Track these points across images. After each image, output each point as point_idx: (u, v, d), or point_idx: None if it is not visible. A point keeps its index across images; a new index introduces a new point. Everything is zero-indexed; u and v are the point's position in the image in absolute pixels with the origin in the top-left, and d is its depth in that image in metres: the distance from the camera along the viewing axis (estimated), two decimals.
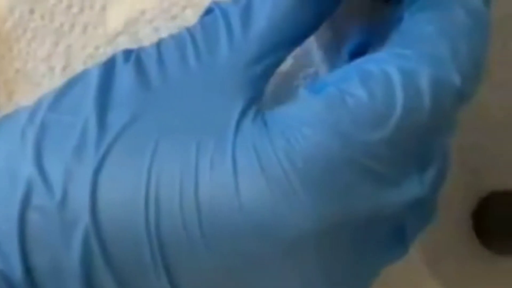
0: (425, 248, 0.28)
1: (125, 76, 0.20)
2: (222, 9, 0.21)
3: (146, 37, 0.28)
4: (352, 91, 0.19)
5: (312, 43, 0.28)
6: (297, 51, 0.28)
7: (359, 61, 0.21)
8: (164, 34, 0.28)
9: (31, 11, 0.29)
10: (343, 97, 0.19)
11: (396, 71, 0.19)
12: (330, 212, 0.19)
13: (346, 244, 0.19)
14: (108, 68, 0.21)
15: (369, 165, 0.19)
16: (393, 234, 0.20)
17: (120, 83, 0.20)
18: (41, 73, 0.29)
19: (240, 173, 0.19)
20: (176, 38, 0.21)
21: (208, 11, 0.22)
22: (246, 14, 0.21)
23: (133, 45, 0.28)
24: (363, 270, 0.20)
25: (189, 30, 0.21)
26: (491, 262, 0.28)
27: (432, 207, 0.22)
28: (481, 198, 0.28)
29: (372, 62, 0.20)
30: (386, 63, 0.20)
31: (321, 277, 0.19)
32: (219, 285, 0.19)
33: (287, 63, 0.28)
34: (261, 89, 0.21)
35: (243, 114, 0.20)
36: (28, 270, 0.19)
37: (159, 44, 0.21)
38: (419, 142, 0.20)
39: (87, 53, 0.28)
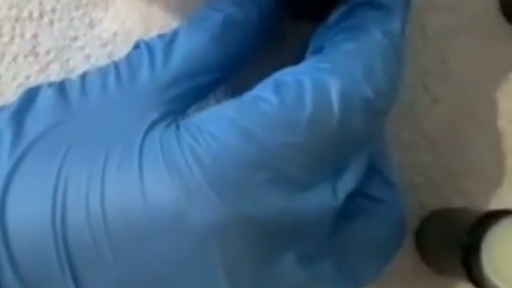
0: None
1: (46, 96, 0.21)
2: (147, 44, 0.23)
3: (78, 65, 0.28)
4: (264, 96, 0.20)
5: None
6: None
7: (279, 72, 0.22)
8: (96, 61, 0.28)
9: None
10: (255, 102, 0.20)
11: (309, 81, 0.20)
12: (234, 209, 0.19)
13: (251, 245, 0.19)
14: (31, 91, 0.22)
15: (277, 167, 0.19)
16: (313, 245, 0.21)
17: (40, 102, 0.21)
18: None
19: (146, 172, 0.19)
20: (101, 68, 0.22)
21: (135, 47, 0.23)
22: (169, 47, 0.22)
23: (64, 74, 0.28)
24: (270, 276, 0.20)
25: (114, 61, 0.23)
26: (435, 281, 0.28)
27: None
28: (422, 216, 0.28)
29: (289, 73, 0.21)
30: (301, 74, 0.21)
31: (225, 278, 0.19)
32: None
33: None
34: (177, 109, 0.22)
35: (153, 124, 0.21)
36: None
37: (84, 73, 0.23)
38: (331, 150, 0.20)
39: (17, 82, 0.28)
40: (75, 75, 0.28)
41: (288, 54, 0.29)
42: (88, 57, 0.28)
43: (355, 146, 0.21)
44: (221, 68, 0.23)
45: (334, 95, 0.20)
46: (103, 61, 0.28)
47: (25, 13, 0.28)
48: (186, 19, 0.23)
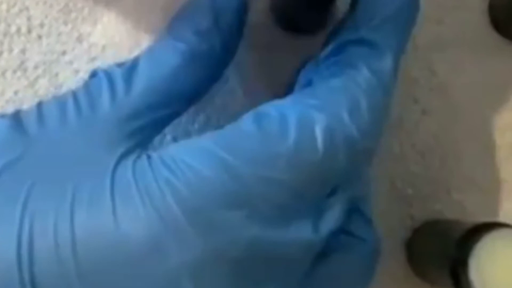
0: None
1: (0, 129, 0.20)
2: (106, 72, 0.22)
3: (67, 80, 0.28)
4: (246, 129, 0.20)
5: (236, 85, 0.28)
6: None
7: (262, 105, 0.21)
8: (84, 75, 0.28)
9: None
10: (236, 134, 0.20)
11: (293, 116, 0.20)
12: (211, 244, 0.18)
13: (227, 280, 0.19)
14: None
15: (255, 203, 0.19)
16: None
17: None
18: None
19: (119, 207, 0.18)
20: (58, 97, 0.21)
21: (93, 75, 0.22)
22: (129, 75, 0.21)
23: (53, 89, 0.28)
24: None
25: (72, 90, 0.22)
26: None
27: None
28: (414, 228, 0.28)
29: (273, 106, 0.21)
30: (286, 108, 0.20)
31: None
32: None
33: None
34: (142, 142, 0.21)
35: (122, 158, 0.20)
36: None
37: (40, 102, 0.21)
38: (312, 187, 0.20)
39: (7, 97, 0.28)
40: (64, 89, 0.28)
41: (278, 67, 0.29)
42: (77, 71, 0.28)
43: (338, 184, 0.21)
44: (182, 100, 0.22)
45: (319, 132, 0.19)
46: None
47: (13, 28, 0.28)
48: (147, 47, 0.23)
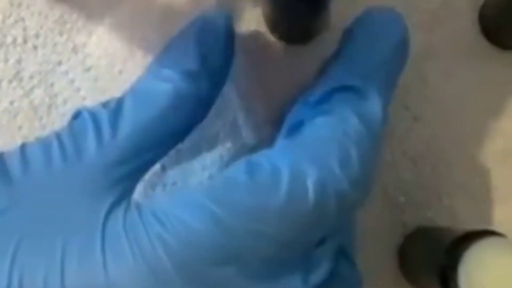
0: None
1: None
2: (91, 112, 0.21)
3: (62, 90, 0.28)
4: (237, 180, 0.19)
5: (230, 90, 0.28)
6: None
7: (254, 154, 0.21)
8: (79, 85, 0.28)
9: None
10: (227, 186, 0.19)
11: (286, 168, 0.19)
12: None
13: None
14: None
15: (245, 256, 0.19)
16: None
17: None
18: None
19: (110, 262, 0.18)
20: (42, 140, 0.21)
21: (76, 115, 0.22)
22: (115, 117, 0.21)
23: (48, 99, 0.28)
24: None
25: (56, 132, 0.21)
26: None
27: None
28: (406, 234, 0.28)
29: (265, 156, 0.20)
30: (278, 159, 0.20)
31: None
32: None
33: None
34: (130, 188, 0.21)
35: (111, 209, 0.19)
36: None
37: (23, 145, 0.21)
38: (302, 240, 0.19)
39: (2, 107, 0.28)
40: (59, 99, 0.28)
41: (272, 73, 0.29)
42: (72, 81, 0.28)
43: (327, 235, 0.20)
44: (168, 141, 0.22)
45: (310, 185, 0.19)
46: (87, 85, 0.28)
47: (9, 39, 0.28)
48: (131, 86, 0.22)
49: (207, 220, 0.18)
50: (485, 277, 0.21)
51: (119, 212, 0.19)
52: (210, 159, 0.29)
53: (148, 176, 0.28)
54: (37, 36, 0.28)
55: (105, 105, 0.21)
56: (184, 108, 0.21)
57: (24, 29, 0.28)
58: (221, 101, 0.28)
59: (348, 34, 0.24)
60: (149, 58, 0.25)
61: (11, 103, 0.28)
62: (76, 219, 0.19)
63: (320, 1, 0.24)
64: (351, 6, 0.29)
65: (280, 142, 0.22)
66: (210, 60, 0.22)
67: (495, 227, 0.23)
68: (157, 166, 0.28)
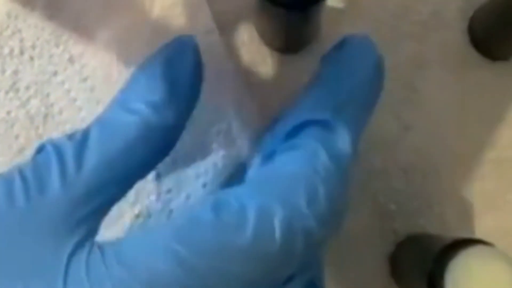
0: None
1: None
2: (55, 145, 0.20)
3: (58, 100, 0.29)
4: (203, 219, 0.19)
5: (225, 99, 0.29)
6: (209, 106, 0.29)
7: (221, 191, 0.21)
8: (75, 96, 0.29)
9: None
10: (192, 225, 0.19)
11: (253, 207, 0.19)
12: None
13: None
14: None
15: None
16: None
17: None
18: None
19: None
20: (4, 175, 0.20)
21: (40, 149, 0.21)
22: (80, 149, 0.20)
23: (44, 108, 0.29)
24: None
25: (19, 167, 0.20)
26: None
27: None
28: (397, 242, 0.29)
29: (231, 193, 0.20)
30: (246, 197, 0.20)
31: None
32: None
33: (201, 119, 0.29)
34: (94, 227, 0.20)
35: (74, 251, 0.19)
36: None
37: None
38: (268, 278, 0.19)
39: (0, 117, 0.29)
40: (55, 109, 0.29)
41: (267, 87, 0.30)
42: (68, 91, 0.29)
43: (296, 271, 0.20)
44: (135, 174, 0.21)
45: (277, 224, 0.19)
46: (83, 95, 0.29)
47: (6, 50, 0.29)
48: (98, 116, 0.21)
49: (171, 260, 0.18)
50: (470, 284, 0.21)
51: (82, 255, 0.19)
52: (204, 167, 0.29)
53: (142, 184, 0.28)
54: (33, 47, 0.29)
55: (70, 136, 0.21)
56: (152, 139, 0.21)
57: (21, 40, 0.29)
58: (215, 110, 0.29)
59: (322, 64, 0.24)
60: None
61: (8, 113, 0.29)
62: (39, 262, 0.19)
63: (310, 12, 0.25)
64: (341, 16, 0.30)
65: (252, 174, 0.22)
66: (178, 89, 0.22)
67: (485, 235, 0.24)
68: (151, 174, 0.29)
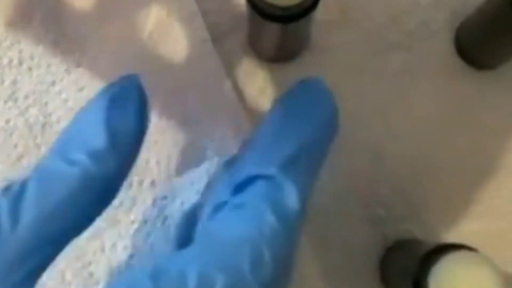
0: None
1: None
2: None
3: (56, 109, 0.29)
4: (140, 285, 0.18)
5: (218, 107, 0.30)
6: (203, 114, 0.29)
7: (163, 257, 0.20)
8: (73, 105, 0.30)
9: None
10: None
11: (193, 276, 0.18)
12: None
13: None
14: None
15: None
16: None
17: None
18: None
19: None
20: None
21: None
22: (16, 204, 0.19)
23: (42, 117, 0.30)
24: None
25: None
26: None
27: None
28: (387, 247, 0.29)
29: (172, 260, 0.19)
30: (187, 265, 0.19)
31: None
32: None
33: (194, 127, 0.29)
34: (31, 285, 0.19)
35: None
36: None
37: None
38: None
39: None
40: (53, 118, 0.30)
41: (259, 96, 0.30)
42: (65, 100, 0.30)
43: None
44: (73, 230, 0.20)
45: None
46: (80, 104, 0.29)
47: (5, 61, 0.30)
48: (36, 166, 0.20)
49: None
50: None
51: None
52: (198, 174, 0.30)
53: (138, 190, 0.29)
54: (32, 57, 0.30)
55: (7, 189, 0.20)
56: (93, 190, 0.20)
57: (20, 51, 0.30)
58: (208, 118, 0.30)
59: (274, 107, 0.22)
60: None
61: (7, 122, 0.29)
62: None
63: (300, 23, 0.26)
64: (331, 26, 0.31)
65: (199, 232, 0.21)
66: (119, 140, 0.21)
67: (471, 241, 0.24)
68: (147, 181, 0.30)
